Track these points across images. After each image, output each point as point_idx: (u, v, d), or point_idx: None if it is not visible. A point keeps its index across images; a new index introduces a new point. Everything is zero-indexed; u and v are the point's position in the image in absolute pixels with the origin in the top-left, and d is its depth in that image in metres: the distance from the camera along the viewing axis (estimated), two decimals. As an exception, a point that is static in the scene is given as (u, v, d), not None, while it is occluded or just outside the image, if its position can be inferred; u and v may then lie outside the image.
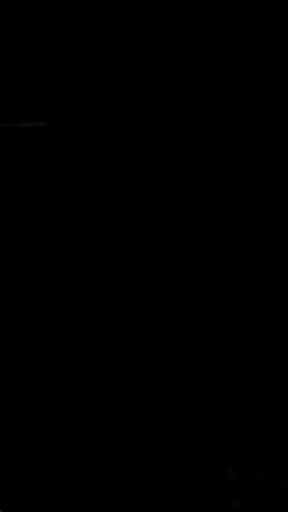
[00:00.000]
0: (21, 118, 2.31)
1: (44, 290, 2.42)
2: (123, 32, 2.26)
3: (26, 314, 2.42)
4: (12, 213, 2.37)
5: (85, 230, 2.38)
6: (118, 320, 2.41)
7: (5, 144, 2.31)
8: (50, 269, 2.40)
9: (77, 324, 2.42)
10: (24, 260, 2.40)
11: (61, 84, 2.31)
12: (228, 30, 2.24)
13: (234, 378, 2.37)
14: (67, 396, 2.39)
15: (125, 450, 2.30)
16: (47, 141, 2.31)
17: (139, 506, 2.15)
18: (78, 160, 2.33)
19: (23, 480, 2.26)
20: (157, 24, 2.24)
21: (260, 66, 2.25)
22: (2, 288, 2.41)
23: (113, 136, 2.32)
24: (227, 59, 2.26)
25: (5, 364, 2.42)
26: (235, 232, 2.37)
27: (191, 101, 2.30)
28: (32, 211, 2.38)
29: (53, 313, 2.42)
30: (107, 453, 2.30)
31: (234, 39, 2.24)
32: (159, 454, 2.29)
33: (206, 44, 2.25)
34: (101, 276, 2.40)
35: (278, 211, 2.34)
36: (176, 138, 2.31)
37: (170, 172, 2.34)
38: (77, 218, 2.38)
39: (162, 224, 2.37)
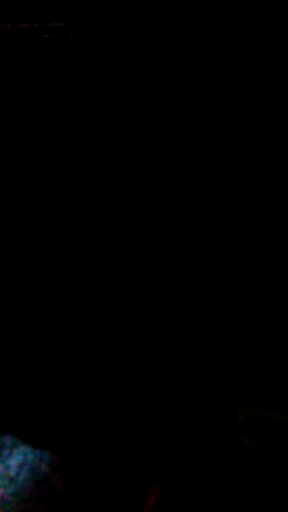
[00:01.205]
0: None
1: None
2: None
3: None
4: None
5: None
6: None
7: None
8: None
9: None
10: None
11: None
12: None
13: (250, 321, 2.35)
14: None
15: (139, 389, 2.30)
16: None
17: (154, 448, 2.15)
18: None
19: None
20: None
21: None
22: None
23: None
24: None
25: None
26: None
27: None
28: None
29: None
30: (121, 395, 2.31)
31: None
32: (172, 394, 2.29)
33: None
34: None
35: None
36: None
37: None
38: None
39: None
